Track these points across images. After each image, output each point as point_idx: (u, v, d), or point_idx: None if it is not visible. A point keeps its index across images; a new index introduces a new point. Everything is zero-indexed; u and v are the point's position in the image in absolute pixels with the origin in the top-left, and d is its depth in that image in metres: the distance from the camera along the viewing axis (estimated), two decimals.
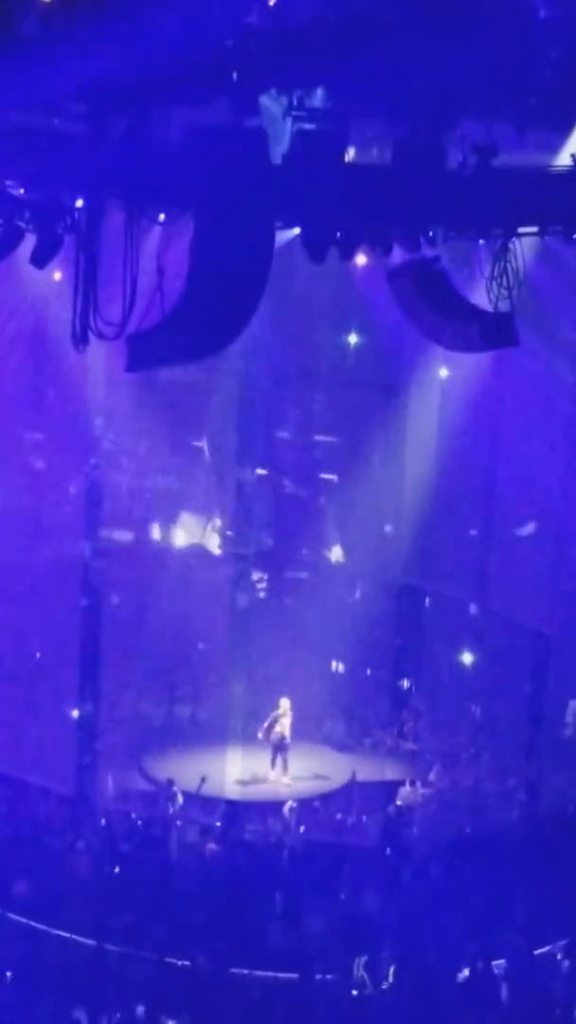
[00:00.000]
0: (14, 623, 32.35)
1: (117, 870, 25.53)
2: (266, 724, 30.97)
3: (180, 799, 28.68)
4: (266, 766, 30.86)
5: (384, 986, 22.59)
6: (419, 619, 34.29)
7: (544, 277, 25.65)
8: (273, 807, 29.14)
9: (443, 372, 33.58)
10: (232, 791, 30.09)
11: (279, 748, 30.86)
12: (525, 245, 21.06)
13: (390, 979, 22.62)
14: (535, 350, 26.19)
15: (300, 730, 31.42)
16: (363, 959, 22.74)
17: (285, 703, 30.96)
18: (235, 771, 30.86)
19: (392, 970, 22.70)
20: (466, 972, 22.92)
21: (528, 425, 31.79)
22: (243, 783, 30.49)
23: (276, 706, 30.99)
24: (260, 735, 30.83)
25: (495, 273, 20.56)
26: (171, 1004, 21.88)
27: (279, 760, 30.89)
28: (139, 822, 27.76)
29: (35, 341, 31.40)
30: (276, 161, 18.12)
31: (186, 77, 17.10)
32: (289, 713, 30.82)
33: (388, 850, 26.85)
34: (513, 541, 32.56)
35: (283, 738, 30.83)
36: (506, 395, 31.63)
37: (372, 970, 22.68)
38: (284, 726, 30.80)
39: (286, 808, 28.73)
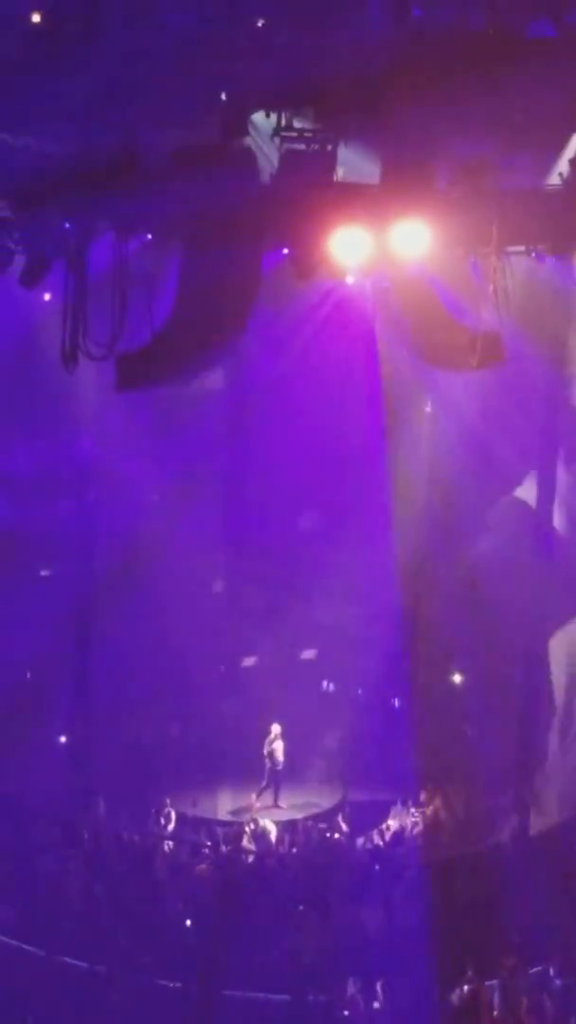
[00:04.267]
0: (3, 643, 32.25)
1: (108, 891, 25.42)
2: (265, 753, 30.87)
3: (173, 818, 28.68)
4: (258, 793, 30.83)
5: (376, 1006, 22.51)
6: (411, 639, 34.18)
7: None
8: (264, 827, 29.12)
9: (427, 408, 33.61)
10: (223, 814, 30.07)
11: (272, 775, 30.79)
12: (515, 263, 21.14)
13: (381, 999, 22.53)
14: (521, 368, 26.15)
15: (291, 749, 31.35)
16: (355, 979, 22.66)
17: (276, 728, 30.88)
18: (227, 795, 30.85)
19: (384, 990, 22.61)
20: (458, 991, 22.84)
21: (514, 447, 31.81)
22: (235, 812, 30.44)
23: (268, 732, 30.90)
24: (254, 798, 30.75)
25: (485, 291, 20.59)
26: None
27: (271, 787, 30.82)
28: (130, 843, 27.64)
29: (25, 361, 31.29)
30: (264, 180, 18.16)
31: (175, 97, 17.15)
32: (281, 738, 30.72)
33: (380, 869, 26.75)
34: (503, 561, 32.44)
35: (276, 764, 30.77)
36: (493, 417, 31.58)
37: (364, 990, 22.59)
38: (277, 752, 30.73)
39: (262, 828, 28.68)
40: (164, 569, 33.68)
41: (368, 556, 33.52)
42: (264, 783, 30.85)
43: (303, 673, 33.49)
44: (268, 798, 30.79)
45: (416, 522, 33.18)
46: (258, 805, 30.55)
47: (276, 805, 30.70)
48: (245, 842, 28.23)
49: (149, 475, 34.39)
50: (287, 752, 30.94)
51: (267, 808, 30.55)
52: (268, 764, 30.75)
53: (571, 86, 17.69)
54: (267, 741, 30.73)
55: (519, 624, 31.05)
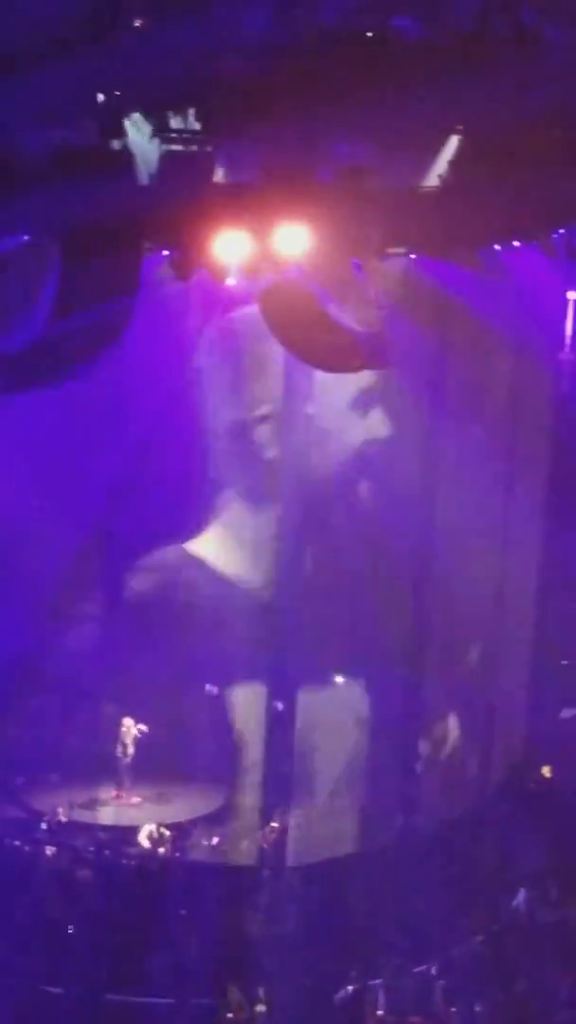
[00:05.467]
0: None
1: None
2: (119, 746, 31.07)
3: (61, 823, 28.51)
4: (117, 788, 31.03)
5: (260, 1009, 22.50)
6: (296, 639, 34.07)
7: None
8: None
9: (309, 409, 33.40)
10: (101, 815, 29.98)
11: (125, 768, 30.99)
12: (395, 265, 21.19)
13: (265, 1001, 22.53)
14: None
15: (175, 753, 31.28)
16: (238, 982, 22.65)
17: (128, 722, 31.06)
18: (108, 797, 30.79)
19: (268, 992, 22.62)
20: (343, 992, 22.88)
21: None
22: (93, 806, 30.46)
23: (121, 725, 31.03)
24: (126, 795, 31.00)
25: (366, 293, 20.65)
26: None
27: (126, 780, 30.98)
28: (10, 849, 27.40)
29: None
30: (143, 182, 18.08)
31: (51, 97, 17.00)
32: (133, 731, 30.92)
33: (265, 871, 26.74)
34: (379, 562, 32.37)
35: (127, 757, 30.97)
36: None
37: (248, 993, 22.59)
38: (128, 745, 30.93)
39: (159, 832, 28.57)
40: (39, 562, 33.17)
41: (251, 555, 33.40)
42: (119, 778, 31.01)
43: (185, 677, 33.25)
44: (126, 791, 30.94)
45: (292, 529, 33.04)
46: (136, 800, 30.64)
47: (124, 795, 30.87)
48: (140, 842, 28.09)
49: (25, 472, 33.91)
50: (169, 752, 31.02)
51: (127, 803, 30.72)
52: (121, 759, 30.96)
53: (448, 87, 17.76)
54: (121, 735, 30.91)
55: (402, 626, 31.14)
